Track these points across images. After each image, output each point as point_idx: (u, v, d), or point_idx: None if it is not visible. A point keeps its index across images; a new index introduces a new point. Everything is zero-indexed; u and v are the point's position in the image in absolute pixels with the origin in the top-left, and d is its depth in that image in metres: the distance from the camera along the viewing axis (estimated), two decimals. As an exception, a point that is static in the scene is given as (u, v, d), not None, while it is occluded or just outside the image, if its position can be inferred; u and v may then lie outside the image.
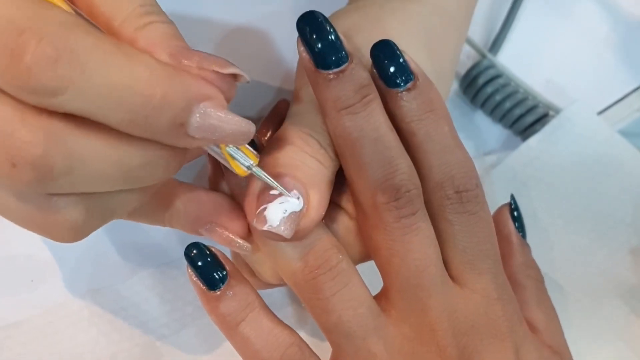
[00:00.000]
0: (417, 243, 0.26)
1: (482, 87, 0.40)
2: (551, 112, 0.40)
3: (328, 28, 0.25)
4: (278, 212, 0.24)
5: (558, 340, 0.30)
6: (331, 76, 0.25)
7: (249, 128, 0.21)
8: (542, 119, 0.40)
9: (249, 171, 0.24)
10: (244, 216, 0.27)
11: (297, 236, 0.25)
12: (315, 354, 0.27)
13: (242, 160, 0.24)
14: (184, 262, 0.35)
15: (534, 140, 0.40)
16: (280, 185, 0.24)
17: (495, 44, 0.42)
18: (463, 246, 0.27)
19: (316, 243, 0.26)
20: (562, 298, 0.36)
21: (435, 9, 0.32)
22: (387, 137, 0.26)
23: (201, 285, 0.26)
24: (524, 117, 0.40)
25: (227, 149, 0.23)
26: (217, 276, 0.26)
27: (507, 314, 0.27)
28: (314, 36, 0.25)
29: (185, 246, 0.36)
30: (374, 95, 0.26)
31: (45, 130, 0.19)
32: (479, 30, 0.42)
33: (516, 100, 0.40)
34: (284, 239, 0.24)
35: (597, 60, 0.43)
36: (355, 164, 0.26)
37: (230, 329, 0.26)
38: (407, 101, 0.27)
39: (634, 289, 0.37)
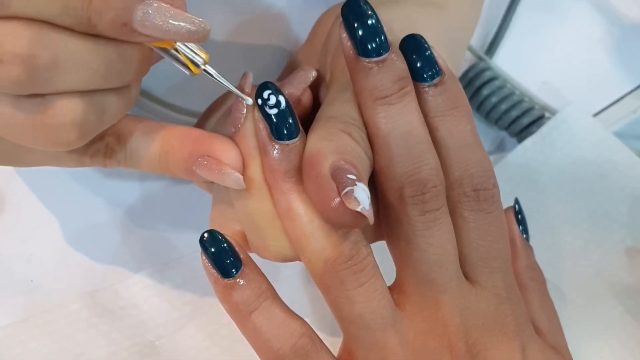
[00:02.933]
0: (438, 238, 0.26)
1: (478, 89, 0.40)
2: (547, 114, 0.41)
3: (372, 16, 0.25)
4: (364, 196, 0.23)
5: (559, 341, 0.31)
6: (371, 65, 0.25)
7: (201, 26, 0.22)
8: (538, 121, 0.40)
9: (200, 70, 0.24)
10: (236, 149, 0.27)
11: (362, 225, 0.24)
12: (325, 345, 0.27)
13: (194, 58, 0.24)
14: (182, 262, 0.36)
15: (529, 142, 0.40)
16: (350, 172, 0.24)
17: (492, 47, 0.42)
18: (477, 244, 0.27)
19: (349, 234, 0.26)
20: (558, 298, 0.36)
21: (459, 24, 0.33)
22: (418, 130, 0.26)
23: (214, 272, 0.26)
24: (520, 119, 0.40)
25: (179, 46, 0.24)
26: (230, 264, 0.26)
27: (515, 313, 0.28)
28: (357, 23, 0.25)
29: (183, 246, 0.36)
30: (411, 88, 0.26)
31: (28, 26, 0.20)
32: (475, 32, 0.42)
33: (512, 102, 0.40)
34: (361, 224, 0.24)
35: (592, 62, 0.44)
36: (385, 154, 0.26)
37: (243, 317, 0.26)
38: (433, 96, 0.27)
39: (628, 289, 0.37)
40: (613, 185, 0.39)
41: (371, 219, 0.24)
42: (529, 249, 0.33)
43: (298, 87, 0.29)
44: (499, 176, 0.39)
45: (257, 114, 0.26)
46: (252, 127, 0.26)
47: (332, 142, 0.25)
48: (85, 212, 0.37)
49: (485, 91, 0.40)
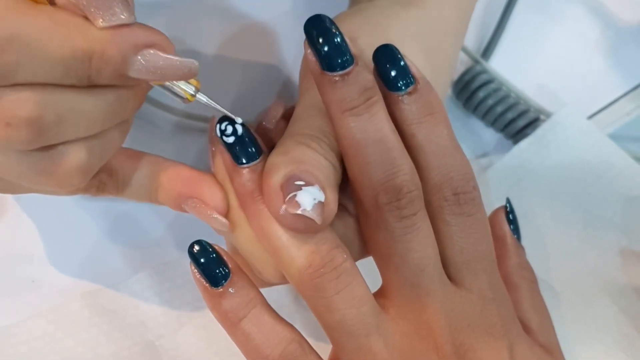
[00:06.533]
0: (417, 243, 0.26)
1: (474, 91, 0.41)
2: (542, 116, 0.41)
3: (334, 31, 0.25)
4: (309, 198, 0.24)
5: (550, 339, 0.31)
6: (336, 78, 0.26)
7: (191, 66, 0.23)
8: (533, 123, 0.41)
9: (194, 97, 0.26)
10: (224, 193, 0.28)
11: (318, 228, 0.25)
12: (314, 351, 0.27)
13: (186, 88, 0.25)
14: (182, 262, 0.36)
15: (525, 144, 0.40)
16: (302, 178, 0.25)
17: (488, 50, 0.43)
18: (460, 246, 0.28)
19: (322, 242, 0.26)
20: (553, 298, 0.36)
21: (434, 16, 0.33)
22: (389, 138, 0.26)
23: (204, 282, 0.27)
24: (515, 121, 0.40)
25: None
26: (219, 273, 0.27)
27: (502, 313, 0.28)
28: (321, 39, 0.25)
29: (183, 246, 0.36)
30: (378, 97, 0.27)
31: (33, 90, 0.21)
32: (471, 36, 0.43)
33: (508, 105, 0.40)
34: (314, 226, 0.25)
35: (587, 65, 0.44)
36: (358, 164, 0.26)
37: (232, 325, 0.27)
38: (408, 104, 0.27)
39: (623, 289, 0.38)
40: (608, 186, 0.40)
41: (317, 218, 0.24)
42: (519, 248, 0.33)
43: (270, 121, 0.31)
44: (494, 177, 0.40)
45: (219, 146, 0.27)
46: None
47: (287, 155, 0.26)
48: (87, 212, 0.37)
49: (481, 93, 0.41)
